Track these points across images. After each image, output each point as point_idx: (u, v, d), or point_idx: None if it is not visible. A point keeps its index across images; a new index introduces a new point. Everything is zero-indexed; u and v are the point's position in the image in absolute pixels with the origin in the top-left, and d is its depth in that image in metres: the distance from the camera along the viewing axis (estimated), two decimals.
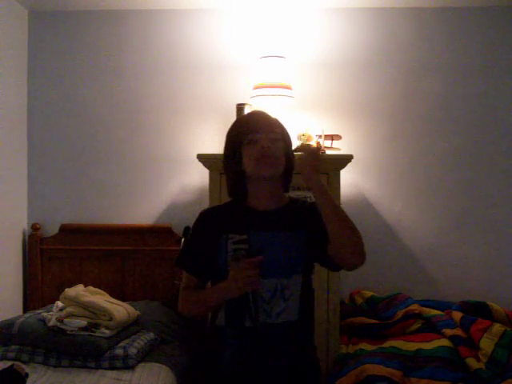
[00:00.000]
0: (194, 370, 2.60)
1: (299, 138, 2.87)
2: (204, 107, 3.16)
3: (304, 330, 1.65)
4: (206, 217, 1.68)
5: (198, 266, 1.64)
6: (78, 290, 2.66)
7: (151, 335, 2.62)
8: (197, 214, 1.71)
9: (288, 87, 2.86)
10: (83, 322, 2.44)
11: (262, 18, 3.16)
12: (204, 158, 2.69)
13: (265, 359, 1.57)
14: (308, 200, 1.76)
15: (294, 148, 1.72)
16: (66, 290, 2.65)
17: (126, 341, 2.49)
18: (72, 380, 2.24)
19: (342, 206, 2.64)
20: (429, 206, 3.15)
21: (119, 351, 2.40)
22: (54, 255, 3.14)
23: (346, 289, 2.96)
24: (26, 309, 3.12)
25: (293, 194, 2.57)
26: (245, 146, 1.59)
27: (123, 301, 2.75)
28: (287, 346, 1.59)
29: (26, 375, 2.04)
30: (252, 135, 1.58)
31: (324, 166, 2.69)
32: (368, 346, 2.55)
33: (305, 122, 2.98)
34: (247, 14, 3.17)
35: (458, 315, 2.60)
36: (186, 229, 2.89)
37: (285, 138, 1.66)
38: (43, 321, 2.52)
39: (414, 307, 2.75)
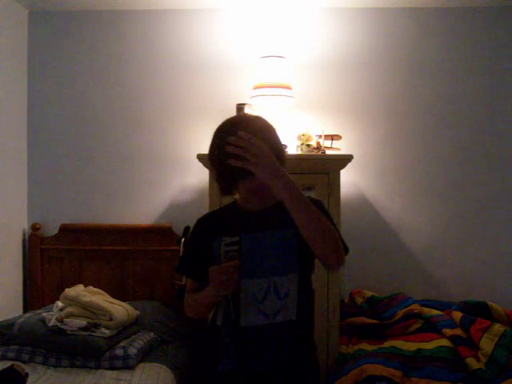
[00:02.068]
0: (193, 370, 2.60)
1: (299, 138, 2.87)
2: (204, 107, 3.16)
3: (303, 330, 1.64)
4: (201, 223, 1.72)
5: (196, 270, 1.68)
6: (78, 290, 2.65)
7: (151, 335, 2.62)
8: (197, 214, 1.75)
9: (288, 87, 2.86)
10: (83, 322, 2.44)
11: (262, 17, 3.16)
12: (204, 158, 2.68)
13: (262, 359, 1.57)
14: (310, 196, 1.74)
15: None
16: (66, 289, 2.64)
17: (126, 341, 2.49)
18: (72, 380, 2.24)
19: (342, 205, 2.68)
20: (429, 206, 3.15)
21: (119, 351, 2.40)
22: (53, 255, 3.14)
23: (346, 289, 2.96)
24: (26, 309, 3.12)
25: None
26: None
27: (123, 301, 2.75)
28: (285, 346, 1.59)
29: (26, 375, 2.03)
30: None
31: (324, 166, 2.70)
32: (368, 346, 2.55)
33: (305, 122, 2.98)
34: (247, 13, 3.17)
35: (458, 315, 2.60)
36: (186, 229, 2.89)
37: (272, 144, 1.53)
38: (43, 321, 2.51)
39: (414, 307, 2.75)
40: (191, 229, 1.75)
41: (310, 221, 1.44)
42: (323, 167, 2.70)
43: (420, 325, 2.68)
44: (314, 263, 1.69)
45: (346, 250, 1.61)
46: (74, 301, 2.54)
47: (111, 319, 2.48)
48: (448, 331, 2.54)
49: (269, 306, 1.56)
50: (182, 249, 2.90)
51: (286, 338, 1.59)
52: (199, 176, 3.08)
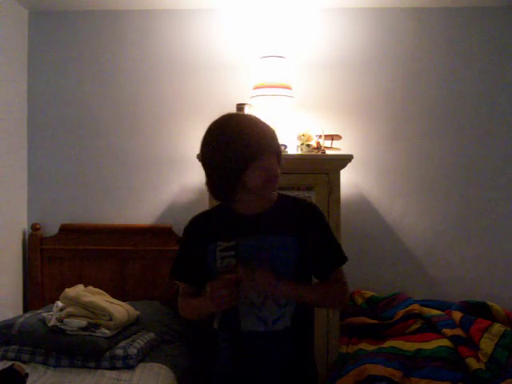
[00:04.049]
0: (193, 370, 2.60)
1: (299, 138, 2.87)
2: (204, 107, 3.16)
3: (300, 337, 1.62)
4: (195, 225, 1.67)
5: (191, 275, 1.64)
6: (77, 290, 2.65)
7: (151, 335, 2.62)
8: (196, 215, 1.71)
9: (288, 87, 2.86)
10: (83, 322, 2.44)
11: (262, 17, 3.16)
12: None
13: (258, 364, 1.55)
14: (307, 200, 1.75)
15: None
16: (66, 290, 2.65)
17: (126, 341, 2.49)
18: (72, 380, 2.24)
19: (342, 205, 2.68)
20: (429, 206, 3.15)
21: (119, 351, 2.39)
22: (53, 255, 3.14)
23: None
24: (26, 309, 3.12)
25: (292, 194, 2.58)
26: (252, 163, 1.50)
27: (123, 301, 2.75)
28: (282, 353, 1.56)
29: (26, 375, 2.03)
30: (261, 154, 1.50)
31: (324, 166, 2.70)
32: (368, 346, 2.55)
33: (305, 122, 2.98)
34: (247, 14, 3.17)
35: (458, 315, 2.61)
36: None
37: (279, 147, 1.61)
38: (43, 321, 2.51)
39: (414, 307, 2.75)
40: (183, 231, 1.69)
41: (316, 305, 1.67)
42: (323, 167, 2.70)
43: (420, 325, 2.68)
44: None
45: (345, 259, 1.64)
46: (73, 301, 2.54)
47: (111, 319, 2.48)
48: (448, 331, 2.54)
49: (267, 313, 1.54)
50: None
51: (283, 346, 1.56)
52: (199, 176, 3.01)
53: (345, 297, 1.66)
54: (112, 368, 2.35)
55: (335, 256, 1.64)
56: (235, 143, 1.51)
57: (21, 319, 2.57)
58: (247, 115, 1.66)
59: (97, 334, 2.41)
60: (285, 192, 1.71)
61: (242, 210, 1.60)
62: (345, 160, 2.70)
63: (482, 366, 2.29)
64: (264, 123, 1.58)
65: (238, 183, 1.53)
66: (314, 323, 1.72)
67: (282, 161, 1.60)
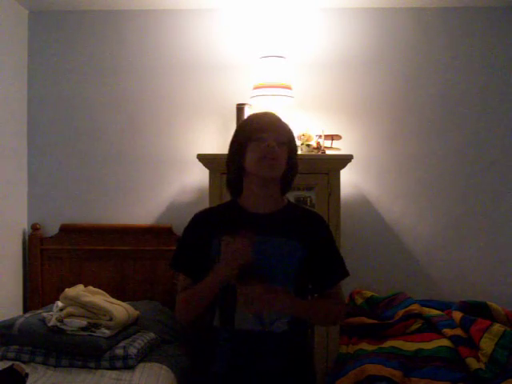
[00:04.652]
0: (193, 370, 2.60)
1: (299, 138, 2.87)
2: (204, 107, 3.16)
3: (298, 340, 1.63)
4: (200, 219, 1.68)
5: (195, 267, 1.62)
6: (77, 290, 2.65)
7: (151, 335, 2.62)
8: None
9: (288, 87, 2.86)
10: (83, 322, 2.44)
11: (262, 17, 3.16)
12: (204, 158, 2.70)
13: (254, 364, 1.56)
14: (308, 201, 1.77)
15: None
16: (66, 290, 2.65)
17: (126, 341, 2.49)
18: (72, 380, 2.25)
19: (342, 205, 2.68)
20: (429, 206, 3.15)
21: (119, 351, 2.40)
22: (53, 255, 3.14)
23: (346, 289, 2.94)
24: (26, 309, 3.12)
25: (292, 194, 2.58)
26: (251, 142, 1.57)
27: (123, 301, 2.75)
28: (279, 355, 1.56)
29: (26, 375, 2.03)
30: (260, 133, 1.56)
31: (324, 166, 2.70)
32: (368, 346, 2.55)
33: (305, 122, 2.98)
34: (247, 14, 3.17)
35: (458, 315, 2.60)
36: None
37: (291, 143, 1.65)
38: (43, 321, 2.51)
39: (414, 307, 2.75)
40: (188, 223, 1.69)
41: (314, 320, 1.66)
42: (323, 167, 2.70)
43: (420, 325, 2.68)
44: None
45: (347, 274, 1.68)
46: (73, 301, 2.54)
47: (111, 319, 2.48)
48: (448, 331, 2.54)
49: (266, 314, 1.54)
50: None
51: (280, 348, 1.56)
52: (199, 176, 3.08)
53: (340, 317, 1.68)
54: (112, 368, 2.35)
55: (337, 270, 1.65)
56: (241, 128, 1.63)
57: (21, 319, 2.57)
58: (267, 112, 1.73)
59: (97, 334, 2.41)
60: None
61: (248, 207, 1.62)
62: (345, 160, 2.70)
63: (482, 365, 2.29)
64: (279, 119, 1.65)
65: (240, 169, 1.59)
66: (313, 325, 1.72)
67: (294, 156, 1.66)
